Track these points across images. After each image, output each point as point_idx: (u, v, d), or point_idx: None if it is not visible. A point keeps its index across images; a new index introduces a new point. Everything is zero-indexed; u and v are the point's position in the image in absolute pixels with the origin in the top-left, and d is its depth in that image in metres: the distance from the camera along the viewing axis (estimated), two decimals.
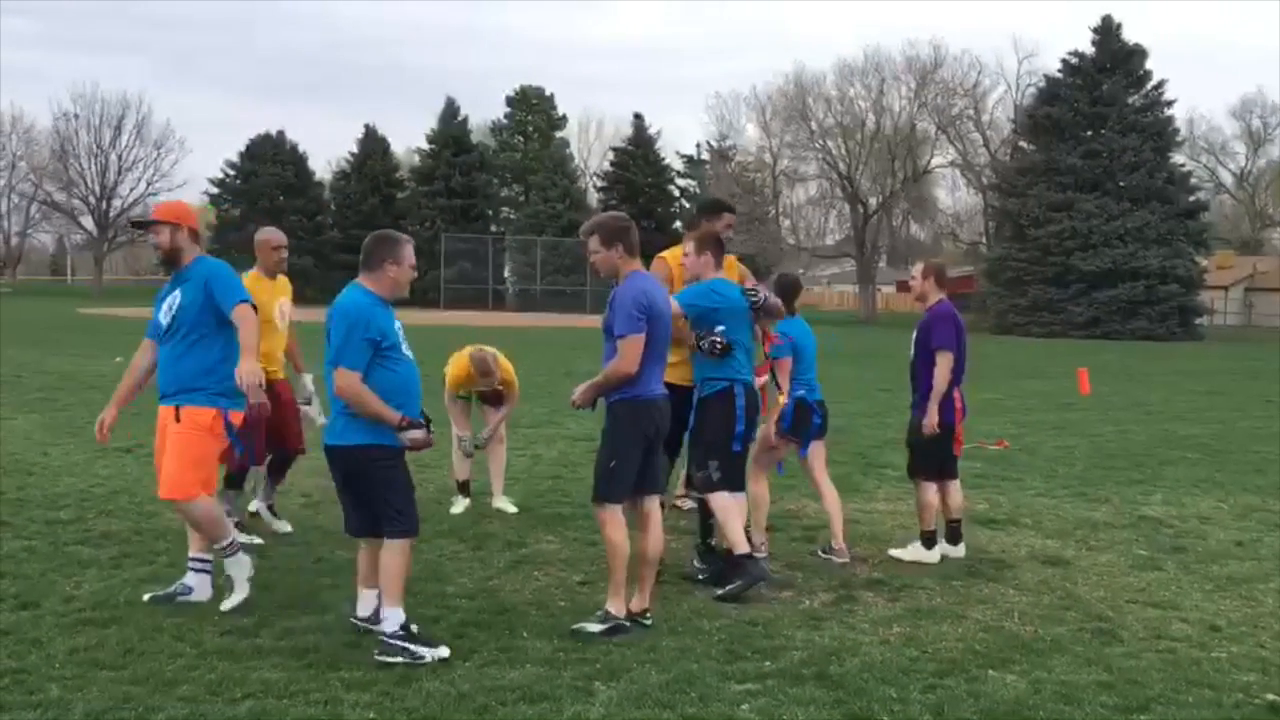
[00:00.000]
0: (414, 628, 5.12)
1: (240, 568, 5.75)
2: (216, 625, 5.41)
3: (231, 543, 5.76)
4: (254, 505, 7.58)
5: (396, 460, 5.16)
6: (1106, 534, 7.92)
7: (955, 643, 5.43)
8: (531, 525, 7.80)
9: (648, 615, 5.59)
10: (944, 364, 7.00)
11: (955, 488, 7.24)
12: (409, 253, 5.25)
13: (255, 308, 5.74)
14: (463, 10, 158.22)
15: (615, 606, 5.47)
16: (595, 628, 5.38)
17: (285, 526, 7.45)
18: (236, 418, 5.71)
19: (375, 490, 5.15)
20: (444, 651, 5.00)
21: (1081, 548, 7.49)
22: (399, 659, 4.91)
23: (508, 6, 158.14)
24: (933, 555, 6.99)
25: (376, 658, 4.94)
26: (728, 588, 6.08)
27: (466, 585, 6.29)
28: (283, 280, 7.44)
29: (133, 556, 6.67)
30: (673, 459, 6.58)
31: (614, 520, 5.48)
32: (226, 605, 5.65)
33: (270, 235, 7.44)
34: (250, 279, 7.04)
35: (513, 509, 8.25)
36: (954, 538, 7.18)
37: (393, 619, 5.04)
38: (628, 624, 5.43)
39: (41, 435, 11.34)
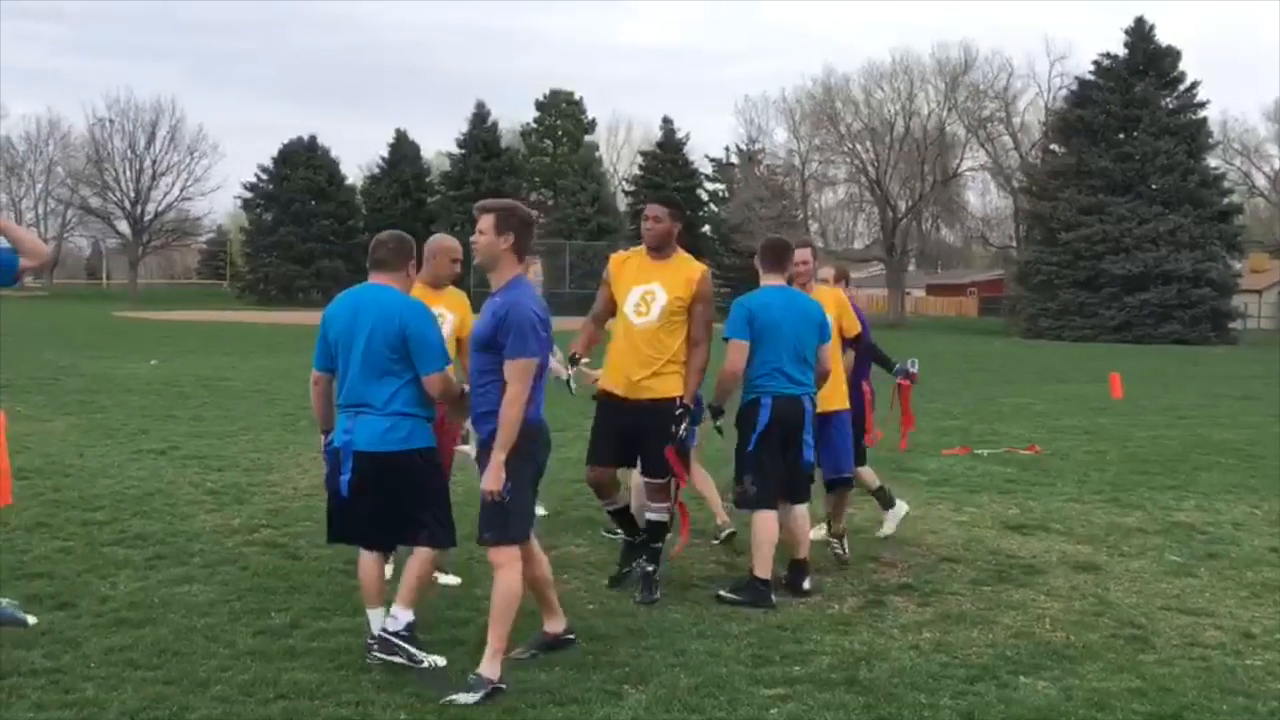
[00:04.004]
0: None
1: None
2: (249, 626, 5.46)
3: None
4: None
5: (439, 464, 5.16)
6: (1139, 540, 7.86)
7: (986, 649, 5.41)
8: (560, 528, 7.83)
9: (570, 632, 5.31)
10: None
11: (867, 471, 7.62)
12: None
13: None
14: (492, 14, 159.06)
15: (493, 669, 4.71)
16: (466, 697, 4.58)
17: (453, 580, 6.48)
18: None
19: (427, 496, 5.04)
20: (441, 661, 4.97)
21: (1113, 553, 7.43)
22: (397, 658, 4.87)
23: (537, 11, 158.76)
24: (903, 505, 7.74)
25: (375, 654, 4.90)
26: (731, 596, 6.10)
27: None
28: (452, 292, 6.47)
29: (167, 558, 6.75)
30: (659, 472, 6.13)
31: (515, 562, 4.87)
32: None
33: (448, 244, 6.48)
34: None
35: (541, 511, 8.25)
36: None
37: (403, 618, 4.97)
38: (505, 686, 4.69)
39: (78, 437, 11.48)
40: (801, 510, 6.43)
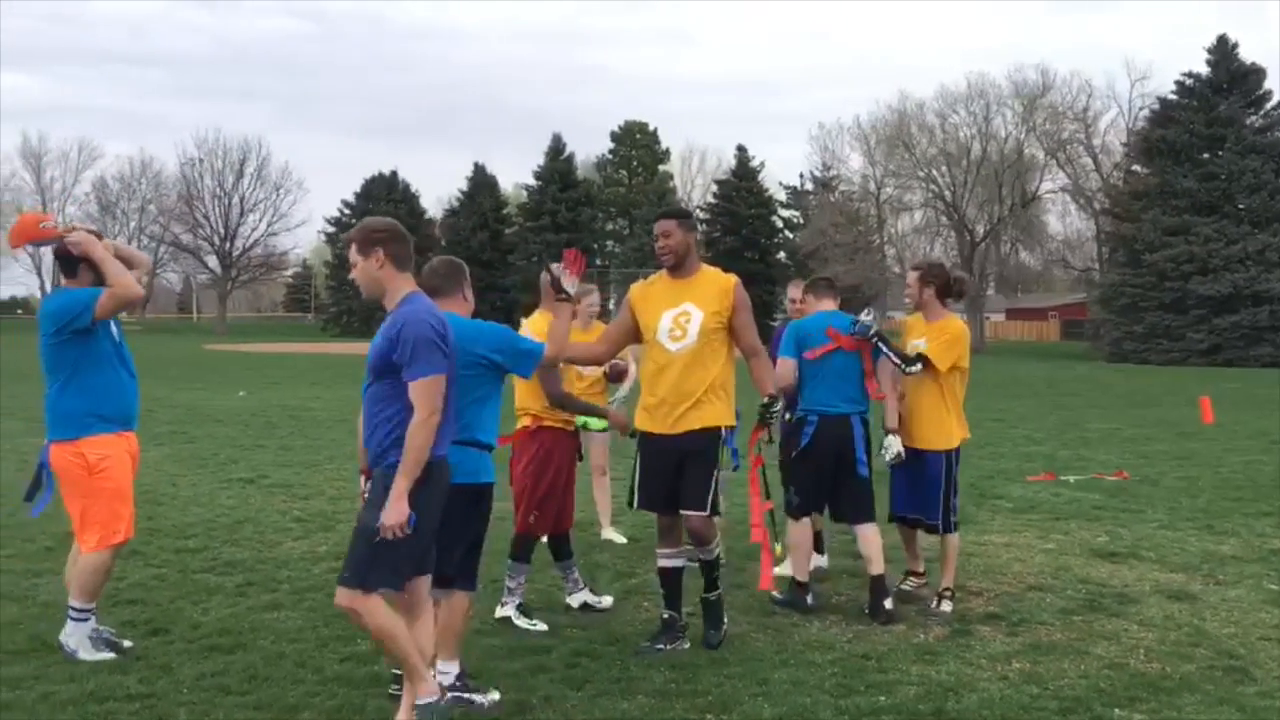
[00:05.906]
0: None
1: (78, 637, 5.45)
2: (336, 653, 5.53)
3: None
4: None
5: None
6: (1235, 568, 7.62)
7: (1078, 680, 5.28)
8: (640, 556, 7.81)
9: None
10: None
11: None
12: None
13: None
14: (569, 49, 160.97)
15: (425, 689, 4.37)
16: None
17: (539, 625, 6.17)
18: None
19: (481, 534, 4.97)
20: (496, 695, 4.86)
21: (1209, 582, 7.22)
22: (457, 709, 4.72)
23: (612, 45, 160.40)
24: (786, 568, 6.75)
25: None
26: (779, 597, 6.54)
27: (578, 615, 6.35)
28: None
29: (257, 584, 6.88)
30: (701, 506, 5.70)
31: (373, 611, 4.26)
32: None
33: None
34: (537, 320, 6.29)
35: (621, 540, 8.28)
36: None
37: (452, 670, 4.86)
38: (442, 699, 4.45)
39: (171, 467, 11.76)
40: (867, 529, 6.47)
